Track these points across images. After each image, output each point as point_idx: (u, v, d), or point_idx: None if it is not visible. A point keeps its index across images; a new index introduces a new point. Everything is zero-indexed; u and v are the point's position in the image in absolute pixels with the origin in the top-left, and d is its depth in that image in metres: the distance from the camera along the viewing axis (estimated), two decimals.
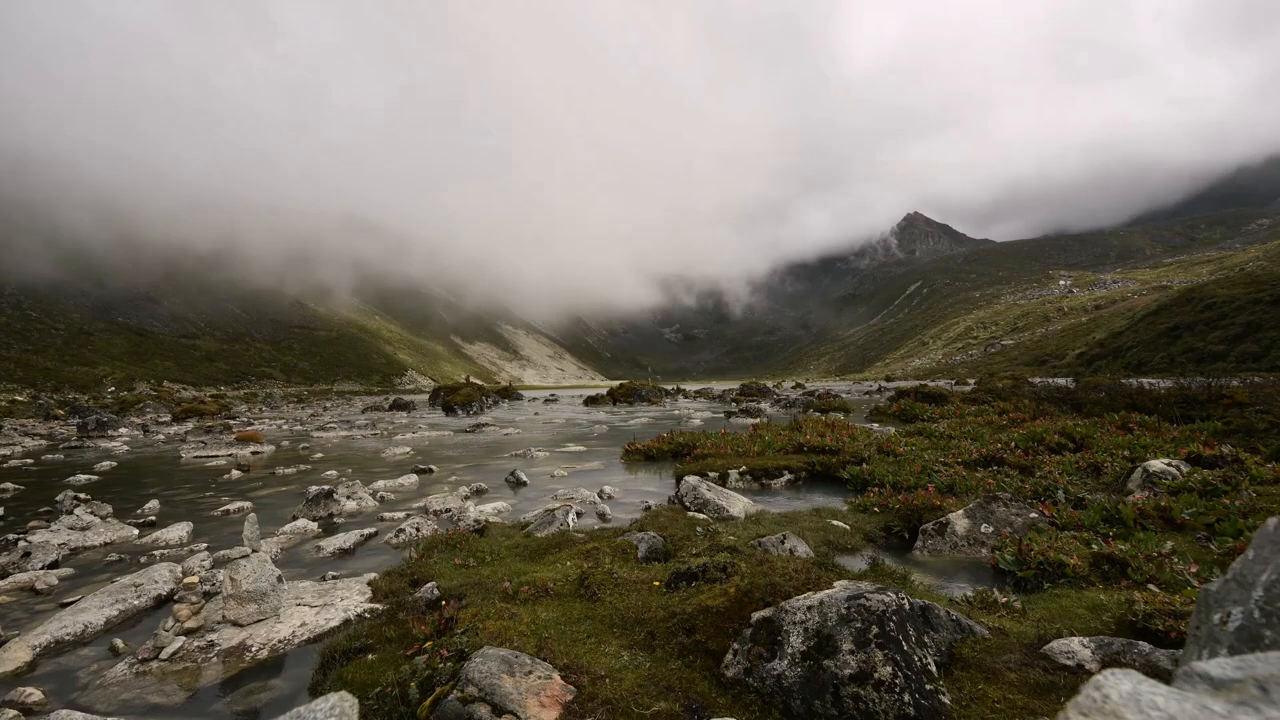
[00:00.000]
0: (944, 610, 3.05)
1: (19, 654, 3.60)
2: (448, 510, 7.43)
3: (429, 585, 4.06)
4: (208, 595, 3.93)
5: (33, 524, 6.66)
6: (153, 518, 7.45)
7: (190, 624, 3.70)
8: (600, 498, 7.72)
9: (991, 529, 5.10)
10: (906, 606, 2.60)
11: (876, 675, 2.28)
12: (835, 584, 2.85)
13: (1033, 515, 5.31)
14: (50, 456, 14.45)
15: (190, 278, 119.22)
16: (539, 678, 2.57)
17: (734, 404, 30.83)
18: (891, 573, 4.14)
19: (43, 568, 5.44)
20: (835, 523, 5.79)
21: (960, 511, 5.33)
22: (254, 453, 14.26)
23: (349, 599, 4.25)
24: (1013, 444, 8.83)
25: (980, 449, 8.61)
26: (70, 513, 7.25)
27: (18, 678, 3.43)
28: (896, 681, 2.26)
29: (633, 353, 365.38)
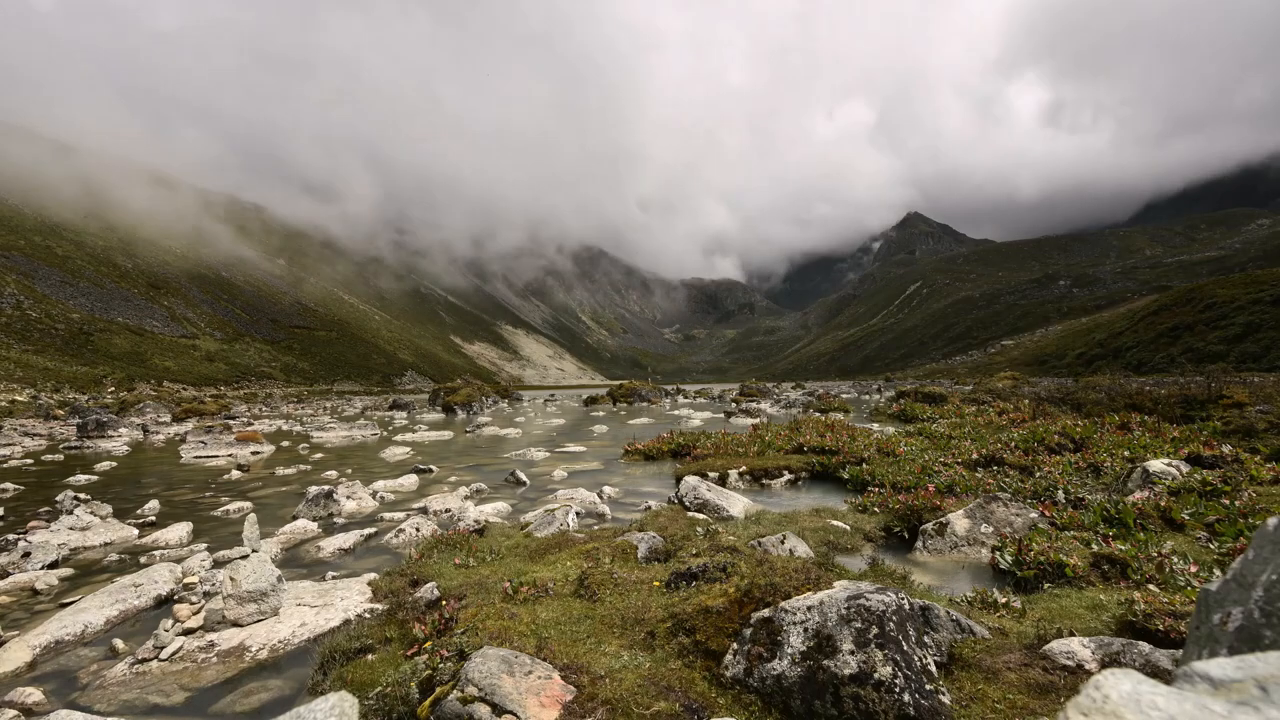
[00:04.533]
0: (944, 610, 3.05)
1: (19, 654, 3.60)
2: (447, 510, 7.43)
3: (429, 585, 4.06)
4: (208, 595, 3.92)
5: (33, 524, 6.66)
6: (153, 518, 7.45)
7: (190, 624, 3.70)
8: (600, 498, 7.72)
9: (991, 529, 5.10)
10: (906, 607, 2.60)
11: (876, 675, 2.28)
12: (835, 584, 2.85)
13: (1033, 515, 5.31)
14: (50, 457, 14.44)
15: (191, 278, 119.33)
16: (539, 678, 2.57)
17: (734, 404, 30.83)
18: (891, 573, 4.14)
19: (43, 568, 5.44)
20: (835, 523, 5.79)
21: (960, 512, 5.33)
22: (254, 453, 14.25)
23: (349, 599, 4.25)
24: (1012, 444, 8.83)
25: (980, 449, 8.61)
26: (70, 513, 7.24)
27: (18, 678, 3.43)
28: (896, 681, 2.26)
29: (632, 352, 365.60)
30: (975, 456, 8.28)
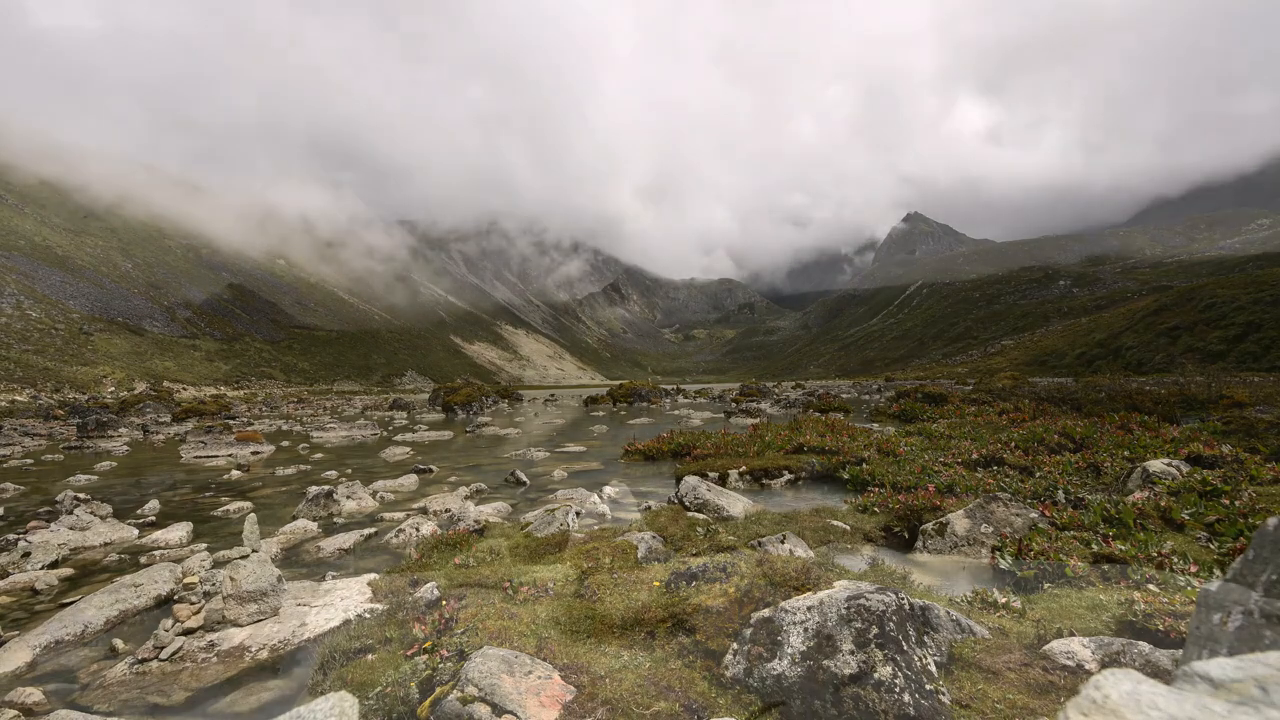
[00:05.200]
0: (944, 610, 3.05)
1: (19, 654, 3.61)
2: (447, 511, 7.43)
3: (429, 585, 4.06)
4: (208, 595, 3.92)
5: (33, 524, 6.66)
6: (152, 518, 7.45)
7: (190, 624, 3.70)
8: (600, 498, 7.72)
9: (991, 529, 5.10)
10: (906, 607, 2.60)
11: (876, 675, 2.28)
12: (835, 584, 2.85)
13: (1033, 515, 5.31)
14: (49, 456, 14.45)
15: (190, 277, 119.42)
16: (539, 677, 2.57)
17: (733, 404, 30.84)
18: (891, 573, 4.14)
19: (43, 568, 5.45)
20: (835, 523, 5.79)
21: (960, 512, 5.33)
22: (254, 453, 14.26)
23: (349, 598, 4.25)
24: (1012, 444, 8.82)
25: (980, 449, 8.60)
26: (70, 513, 7.25)
27: (18, 678, 3.43)
28: (896, 681, 2.26)
29: (632, 352, 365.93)
30: (975, 456, 8.28)
